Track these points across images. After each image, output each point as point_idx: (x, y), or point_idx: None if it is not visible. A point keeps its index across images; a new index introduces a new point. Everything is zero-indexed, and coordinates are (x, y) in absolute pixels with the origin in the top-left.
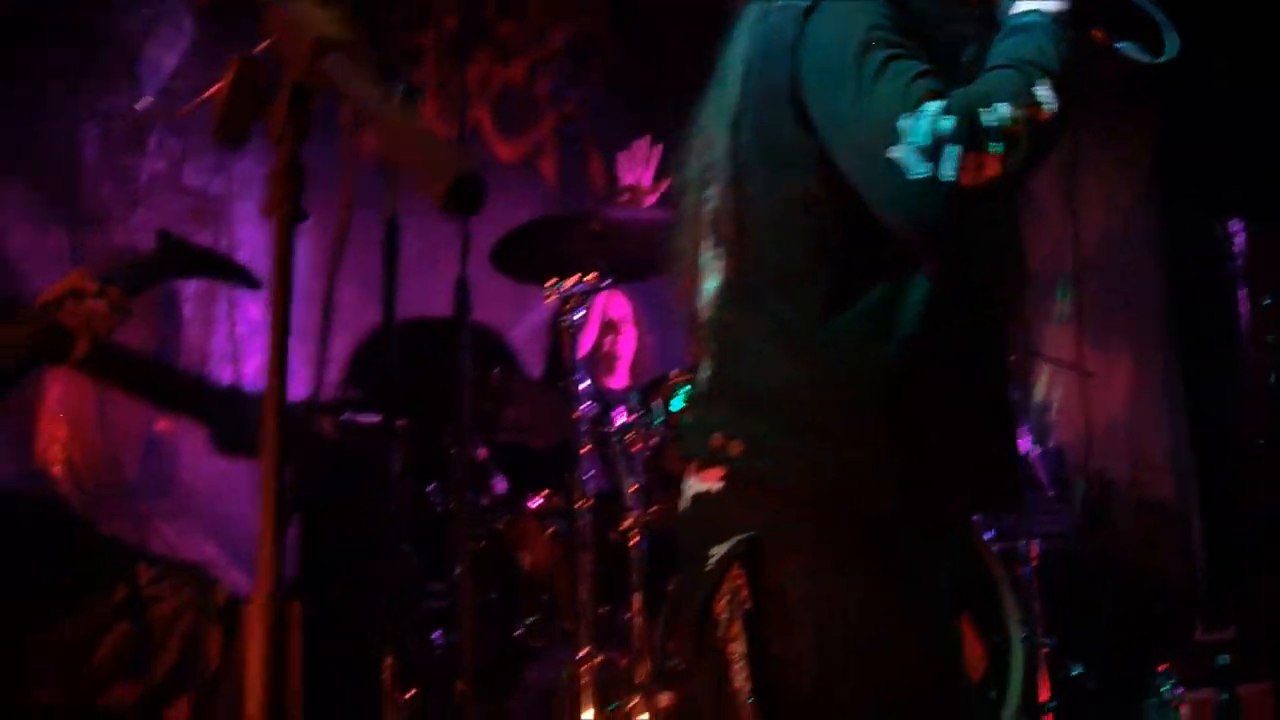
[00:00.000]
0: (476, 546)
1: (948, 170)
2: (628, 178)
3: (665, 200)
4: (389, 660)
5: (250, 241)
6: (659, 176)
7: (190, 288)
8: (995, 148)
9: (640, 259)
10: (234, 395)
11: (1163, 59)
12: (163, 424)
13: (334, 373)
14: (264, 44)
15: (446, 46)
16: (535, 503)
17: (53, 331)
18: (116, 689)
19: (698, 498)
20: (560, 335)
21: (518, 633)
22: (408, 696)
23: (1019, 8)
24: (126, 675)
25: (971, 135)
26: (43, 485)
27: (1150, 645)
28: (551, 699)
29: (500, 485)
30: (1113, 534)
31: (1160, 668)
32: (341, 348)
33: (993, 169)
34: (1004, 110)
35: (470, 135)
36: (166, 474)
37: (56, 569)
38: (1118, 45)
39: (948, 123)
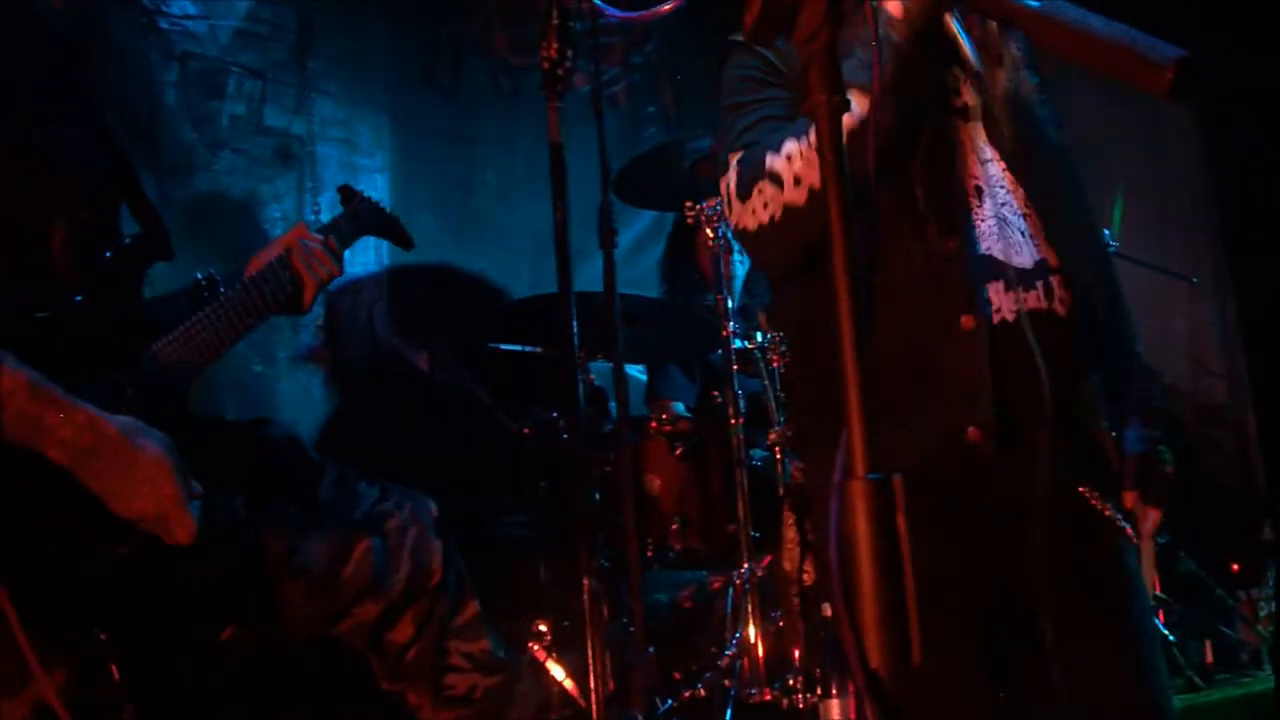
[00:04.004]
0: (603, 470)
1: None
2: None
3: None
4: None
5: (334, 181)
6: None
7: None
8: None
9: None
10: None
11: None
12: (260, 367)
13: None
14: None
15: None
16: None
17: (295, 281)
18: (359, 608)
19: None
20: (703, 254)
21: (649, 554)
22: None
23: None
24: (369, 593)
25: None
26: None
27: (1222, 545)
28: (706, 615)
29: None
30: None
31: (1234, 567)
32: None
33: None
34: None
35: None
36: (267, 415)
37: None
38: None
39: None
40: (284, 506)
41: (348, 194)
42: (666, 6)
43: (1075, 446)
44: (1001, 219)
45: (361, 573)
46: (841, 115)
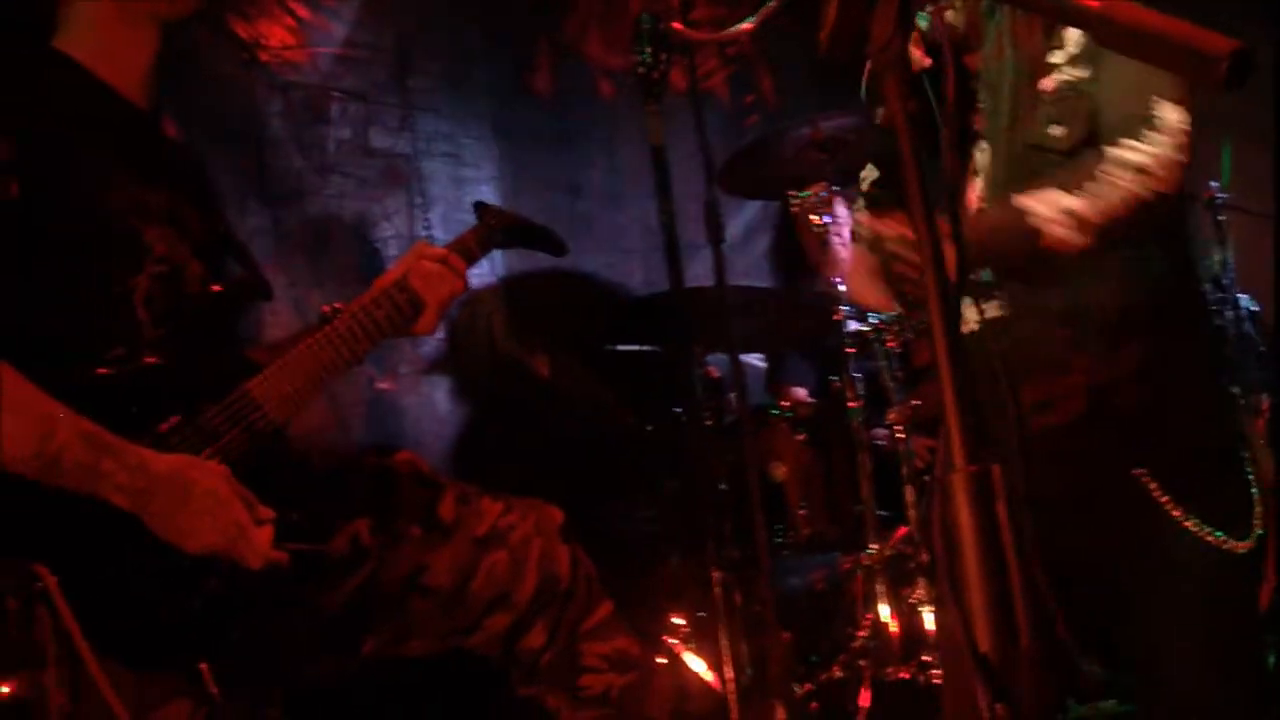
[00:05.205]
0: (728, 460)
1: None
2: None
3: None
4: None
5: (443, 197)
6: None
7: None
8: None
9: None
10: None
11: None
12: (384, 383)
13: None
14: None
15: None
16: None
17: (413, 303)
18: (490, 620)
19: None
20: (810, 241)
21: (778, 540)
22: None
23: None
24: (498, 606)
25: None
26: None
27: None
28: (838, 597)
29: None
30: None
31: None
32: None
33: None
34: None
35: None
36: (392, 430)
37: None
38: None
39: None
40: (407, 528)
41: (481, 209)
42: (747, 25)
43: (1105, 434)
44: None
45: (489, 587)
46: (916, 126)
